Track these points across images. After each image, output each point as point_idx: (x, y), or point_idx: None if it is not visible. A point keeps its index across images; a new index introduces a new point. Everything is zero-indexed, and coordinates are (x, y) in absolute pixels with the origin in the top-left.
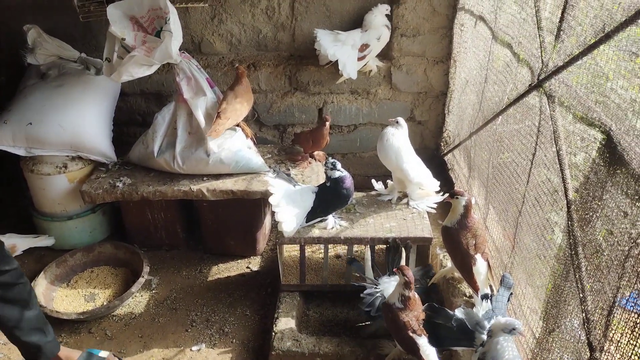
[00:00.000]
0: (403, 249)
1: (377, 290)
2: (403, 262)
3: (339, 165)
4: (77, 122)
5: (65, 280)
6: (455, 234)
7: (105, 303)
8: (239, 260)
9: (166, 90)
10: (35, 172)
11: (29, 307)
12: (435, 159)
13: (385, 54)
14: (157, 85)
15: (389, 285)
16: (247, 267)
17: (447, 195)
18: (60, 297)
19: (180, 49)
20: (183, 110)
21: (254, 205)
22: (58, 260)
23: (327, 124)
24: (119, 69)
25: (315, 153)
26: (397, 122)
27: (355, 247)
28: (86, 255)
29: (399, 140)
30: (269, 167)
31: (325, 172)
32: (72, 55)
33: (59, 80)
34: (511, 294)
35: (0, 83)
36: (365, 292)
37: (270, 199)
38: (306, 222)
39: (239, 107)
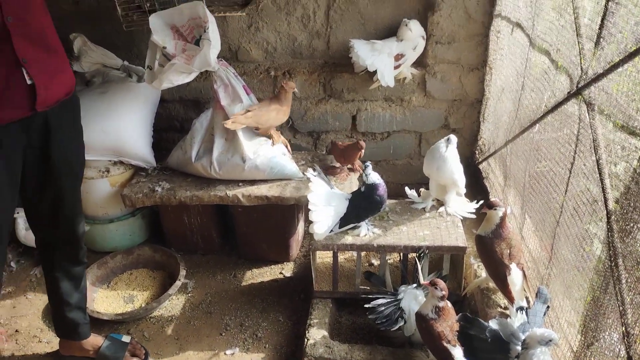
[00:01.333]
0: (417, 259)
1: (391, 299)
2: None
3: (371, 170)
4: (119, 127)
5: (105, 281)
6: (490, 243)
7: (143, 305)
8: (272, 266)
9: (204, 97)
10: None
11: (80, 287)
12: (469, 167)
13: (419, 62)
14: (195, 92)
15: (410, 295)
16: (280, 273)
17: (482, 202)
18: (100, 298)
19: (217, 57)
20: (220, 117)
21: (288, 211)
22: (99, 262)
23: (362, 151)
24: (159, 77)
25: (355, 163)
26: (448, 139)
27: (388, 255)
28: (126, 258)
29: (453, 154)
30: (310, 168)
31: (360, 178)
32: (115, 63)
33: (102, 87)
34: (548, 307)
35: None
36: (374, 302)
37: (309, 196)
38: (339, 227)
39: (269, 114)
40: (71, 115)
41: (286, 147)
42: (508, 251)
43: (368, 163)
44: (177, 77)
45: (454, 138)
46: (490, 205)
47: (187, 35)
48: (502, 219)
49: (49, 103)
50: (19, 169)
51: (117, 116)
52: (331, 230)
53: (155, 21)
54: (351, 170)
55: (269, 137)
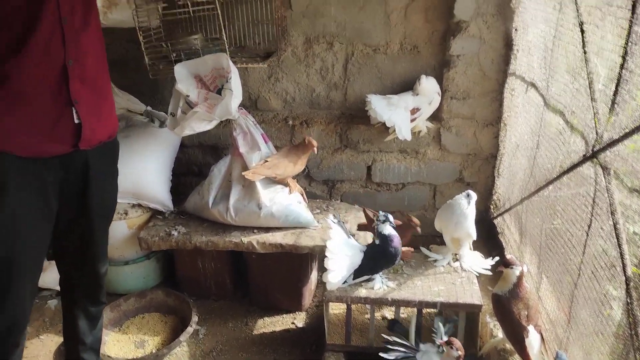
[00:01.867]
0: (441, 323)
1: (409, 354)
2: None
3: (391, 218)
4: (139, 171)
5: (117, 324)
6: (507, 303)
7: (154, 351)
8: (284, 315)
9: (222, 143)
10: None
11: (97, 328)
12: (484, 221)
13: (434, 116)
14: (214, 138)
15: (429, 354)
16: (292, 323)
17: (497, 258)
18: (111, 342)
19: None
20: (238, 164)
21: (302, 260)
22: (112, 304)
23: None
24: (182, 124)
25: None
26: (468, 195)
27: (402, 310)
28: (139, 301)
29: (472, 210)
30: (332, 215)
31: (374, 228)
32: (139, 109)
33: (126, 131)
34: None
35: None
36: (387, 355)
37: (328, 243)
38: (352, 279)
39: (287, 164)
40: (110, 158)
41: (302, 195)
42: (526, 312)
43: (387, 214)
44: (199, 124)
45: (473, 194)
46: (507, 264)
47: (210, 85)
48: (519, 278)
49: (91, 143)
50: (55, 205)
51: (139, 160)
52: (345, 281)
53: (180, 70)
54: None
55: (286, 185)
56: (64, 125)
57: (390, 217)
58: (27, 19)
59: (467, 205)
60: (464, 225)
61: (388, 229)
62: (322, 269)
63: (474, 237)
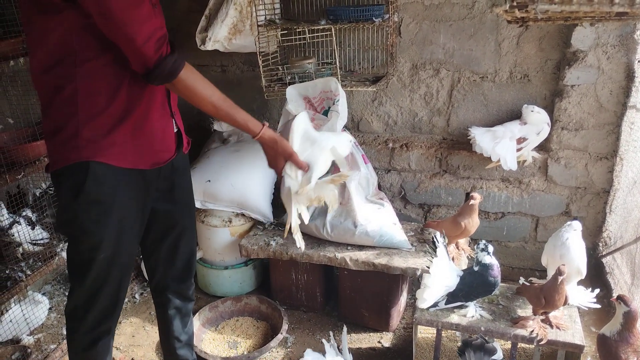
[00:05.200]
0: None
1: None
2: None
3: (490, 249)
4: (245, 183)
5: (214, 324)
6: (614, 345)
7: (245, 352)
8: (371, 334)
9: None
10: (205, 223)
11: (189, 324)
12: (591, 258)
13: (541, 146)
14: None
15: None
16: (379, 342)
17: (597, 290)
18: (208, 340)
19: None
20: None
21: (393, 281)
22: (211, 305)
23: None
24: None
25: (552, 316)
26: (570, 225)
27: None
28: (234, 305)
29: (576, 242)
30: (412, 244)
31: (475, 256)
32: None
33: (236, 145)
34: None
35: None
36: None
37: (435, 260)
38: (445, 303)
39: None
40: (187, 162)
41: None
42: (635, 358)
43: (487, 243)
44: None
45: (577, 224)
46: (619, 298)
47: (317, 106)
48: (630, 319)
49: (185, 147)
50: (148, 211)
51: (246, 173)
52: (437, 305)
53: (291, 92)
54: (547, 321)
55: (383, 204)
56: (169, 135)
57: (489, 247)
58: None
59: (568, 235)
60: (568, 257)
61: (488, 258)
62: (412, 292)
63: (584, 273)
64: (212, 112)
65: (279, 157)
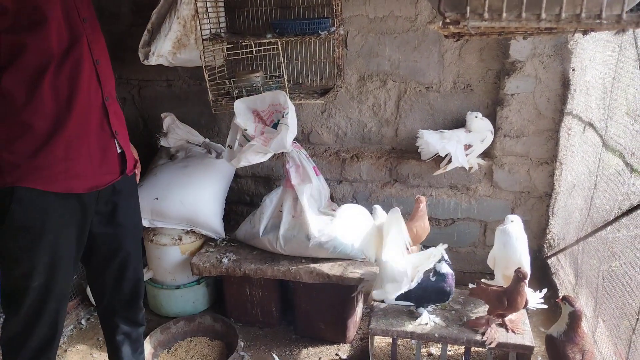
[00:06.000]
0: None
1: None
2: None
3: (446, 256)
4: (195, 199)
5: (166, 346)
6: (562, 345)
7: None
8: (329, 346)
9: (275, 174)
10: (154, 242)
11: (140, 349)
12: (537, 260)
13: (486, 152)
14: (267, 169)
15: None
16: (336, 354)
17: (545, 290)
18: None
19: None
20: (289, 195)
21: (348, 292)
22: (163, 326)
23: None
24: (238, 156)
25: (508, 319)
26: (512, 221)
27: (449, 347)
28: (187, 325)
29: (517, 233)
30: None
31: (433, 266)
32: (198, 140)
33: (184, 161)
34: None
35: None
36: None
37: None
38: (394, 299)
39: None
40: (134, 184)
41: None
42: (580, 357)
43: (444, 254)
44: (254, 156)
45: (515, 217)
46: (564, 298)
47: (267, 119)
48: (575, 320)
49: (130, 169)
50: (86, 237)
51: (195, 189)
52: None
53: (239, 106)
54: (502, 324)
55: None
56: (111, 157)
57: (446, 256)
58: (73, 67)
59: (508, 223)
60: (509, 245)
61: (445, 268)
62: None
63: (527, 268)
64: None
65: None
